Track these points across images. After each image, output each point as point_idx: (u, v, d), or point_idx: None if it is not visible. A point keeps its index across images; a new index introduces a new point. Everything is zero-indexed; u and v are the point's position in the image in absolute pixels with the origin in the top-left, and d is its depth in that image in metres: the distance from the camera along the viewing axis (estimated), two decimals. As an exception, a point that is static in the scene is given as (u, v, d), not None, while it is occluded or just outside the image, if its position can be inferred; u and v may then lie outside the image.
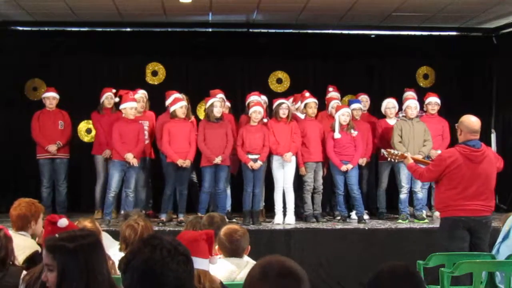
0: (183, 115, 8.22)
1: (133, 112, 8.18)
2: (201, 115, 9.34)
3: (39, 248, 4.42)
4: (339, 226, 8.23)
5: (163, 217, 8.27)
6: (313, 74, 10.55)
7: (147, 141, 8.57)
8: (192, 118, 8.73)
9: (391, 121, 8.82)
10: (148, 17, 9.61)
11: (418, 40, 10.46)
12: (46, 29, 10.08)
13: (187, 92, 8.88)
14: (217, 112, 8.13)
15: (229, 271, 3.94)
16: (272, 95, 9.31)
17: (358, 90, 9.62)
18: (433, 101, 8.85)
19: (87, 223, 4.55)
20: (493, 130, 10.25)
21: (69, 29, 10.08)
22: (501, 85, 10.30)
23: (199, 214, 7.36)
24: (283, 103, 8.34)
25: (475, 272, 4.88)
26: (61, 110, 8.92)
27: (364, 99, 9.34)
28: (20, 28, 10.12)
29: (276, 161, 8.25)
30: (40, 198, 8.13)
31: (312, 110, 8.59)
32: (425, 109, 8.92)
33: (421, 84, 10.49)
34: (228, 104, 8.96)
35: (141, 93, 8.79)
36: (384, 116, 9.04)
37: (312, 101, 8.61)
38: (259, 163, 8.10)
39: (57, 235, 2.88)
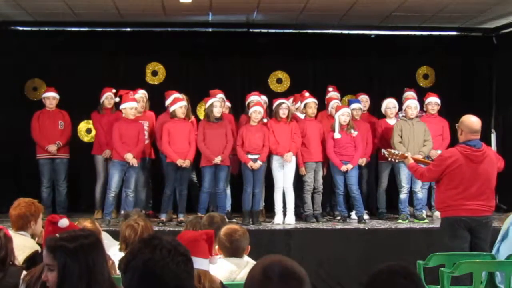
0: (183, 115, 8.22)
1: (133, 112, 8.18)
2: (201, 115, 9.33)
3: (39, 248, 4.43)
4: (339, 226, 8.23)
5: (163, 217, 8.27)
6: (313, 74, 10.54)
7: (147, 141, 8.57)
8: (192, 118, 8.73)
9: (391, 121, 8.82)
10: (148, 17, 9.61)
11: (418, 40, 10.46)
12: (46, 29, 10.09)
13: (187, 92, 8.87)
14: (217, 112, 8.13)
15: (229, 271, 3.94)
16: (272, 95, 9.31)
17: (358, 90, 9.62)
18: (433, 101, 8.85)
19: (87, 224, 4.55)
20: (493, 130, 10.25)
21: (69, 29, 10.08)
22: (501, 85, 10.30)
23: (199, 214, 7.36)
24: (283, 103, 8.34)
25: (475, 272, 4.89)
26: (61, 110, 8.92)
27: (364, 99, 9.34)
28: (20, 28, 10.12)
29: (276, 161, 8.25)
30: (40, 198, 8.13)
31: (312, 110, 8.59)
32: (425, 109, 8.92)
33: (421, 84, 10.48)
34: (228, 104, 8.96)
35: (141, 93, 8.79)
36: (384, 116, 9.04)
37: (311, 101, 8.61)
38: (259, 163, 8.10)
39: (57, 235, 2.89)
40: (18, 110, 9.62)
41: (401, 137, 8.38)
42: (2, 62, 9.68)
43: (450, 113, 9.34)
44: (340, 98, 9.35)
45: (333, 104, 8.80)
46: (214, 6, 8.92)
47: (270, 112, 8.65)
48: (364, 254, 7.46)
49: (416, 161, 6.48)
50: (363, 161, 8.64)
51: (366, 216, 8.54)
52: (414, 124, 8.43)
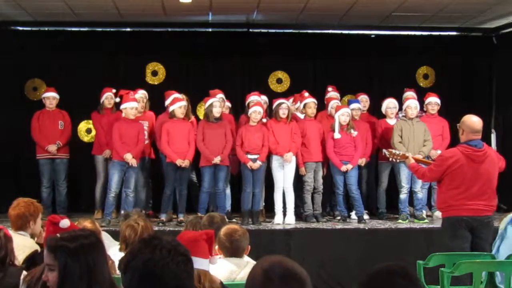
0: (182, 115, 8.22)
1: (133, 112, 8.18)
2: (201, 115, 9.33)
3: (38, 248, 4.43)
4: (339, 226, 8.23)
5: (163, 217, 8.27)
6: (313, 74, 10.54)
7: (146, 141, 8.56)
8: (192, 118, 8.73)
9: (391, 121, 8.82)
10: (148, 17, 9.61)
11: (418, 40, 10.46)
12: (46, 29, 10.09)
13: (187, 92, 8.87)
14: (216, 112, 8.13)
15: (229, 271, 3.94)
16: (272, 95, 9.31)
17: (358, 90, 9.61)
18: (433, 101, 8.85)
19: (87, 224, 4.56)
20: (493, 130, 10.25)
21: (69, 29, 10.08)
22: (501, 85, 10.30)
23: (199, 214, 7.36)
24: (283, 103, 8.34)
25: (475, 272, 4.89)
26: (61, 110, 8.92)
27: (364, 99, 9.33)
28: (20, 28, 10.12)
29: (276, 161, 8.25)
30: (40, 198, 8.14)
31: (312, 110, 8.59)
32: (425, 109, 8.92)
33: (421, 84, 10.48)
34: (228, 104, 8.96)
35: (141, 93, 8.79)
36: (384, 116, 9.04)
37: (311, 101, 8.61)
38: (259, 163, 8.10)
39: (58, 235, 2.89)
40: (18, 110, 9.62)
41: (401, 137, 8.38)
42: (2, 62, 9.69)
43: (450, 113, 9.34)
44: (340, 98, 9.35)
45: (333, 104, 8.81)
46: (214, 6, 8.92)
47: (270, 112, 8.65)
48: (364, 254, 7.45)
49: (417, 161, 6.48)
50: (362, 161, 8.64)
51: (366, 216, 8.54)
52: (414, 124, 8.43)
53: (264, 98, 8.78)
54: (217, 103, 8.19)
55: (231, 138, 8.21)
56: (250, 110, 8.18)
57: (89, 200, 9.27)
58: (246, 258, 4.13)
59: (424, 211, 8.66)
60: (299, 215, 8.52)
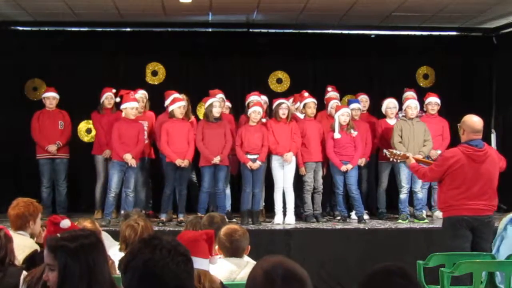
0: (181, 115, 8.21)
1: (134, 112, 8.18)
2: (201, 115, 9.33)
3: (38, 248, 4.43)
4: (339, 226, 8.23)
5: (163, 217, 8.27)
6: (313, 74, 10.54)
7: (146, 141, 8.56)
8: (192, 118, 8.74)
9: (391, 121, 8.82)
10: (148, 17, 9.61)
11: (418, 40, 10.46)
12: (46, 29, 10.09)
13: (187, 92, 8.87)
14: (216, 112, 8.13)
15: (229, 271, 3.94)
16: (272, 95, 9.31)
17: (358, 90, 9.61)
18: (433, 101, 8.85)
19: (87, 224, 4.55)
20: (493, 130, 10.25)
21: (69, 29, 10.08)
22: (501, 85, 10.30)
23: (199, 214, 7.36)
24: (282, 103, 8.34)
25: (475, 272, 4.89)
26: (61, 110, 8.92)
27: (364, 99, 9.33)
28: (20, 28, 10.12)
29: (276, 161, 8.25)
30: (40, 198, 8.15)
31: (311, 110, 8.59)
32: (425, 109, 8.92)
33: (421, 84, 10.48)
34: (228, 104, 8.96)
35: (141, 93, 8.79)
36: (384, 116, 9.04)
37: (311, 101, 8.61)
38: (258, 163, 8.10)
39: (58, 234, 2.89)
40: (18, 110, 9.62)
41: (401, 137, 8.38)
42: (2, 62, 9.69)
43: (450, 113, 9.34)
44: (340, 98, 9.35)
45: (333, 104, 8.81)
46: (214, 6, 8.92)
47: (270, 112, 8.65)
48: (364, 254, 7.46)
49: (418, 161, 6.49)
50: (362, 161, 8.64)
51: (366, 216, 8.54)
52: (414, 124, 8.43)
53: (264, 98, 8.77)
54: (217, 103, 8.19)
55: (231, 138, 8.21)
56: (250, 110, 8.18)
57: (89, 200, 9.27)
58: (246, 258, 4.14)
59: (424, 211, 8.66)
60: (299, 215, 8.52)
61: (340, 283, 7.62)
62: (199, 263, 3.05)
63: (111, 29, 10.20)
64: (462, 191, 5.75)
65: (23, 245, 4.36)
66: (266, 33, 10.37)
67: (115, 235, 5.05)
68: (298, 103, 8.88)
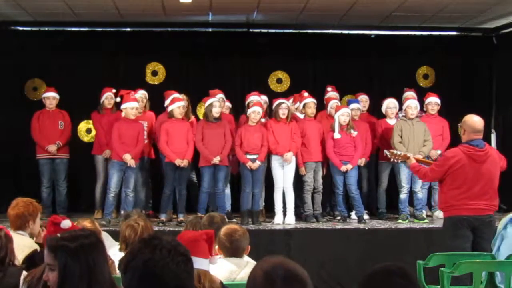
0: (180, 115, 8.21)
1: (134, 112, 8.18)
2: (201, 115, 9.33)
3: (38, 247, 4.43)
4: (339, 226, 8.23)
5: (163, 217, 8.27)
6: (313, 74, 10.54)
7: (145, 141, 8.56)
8: (192, 118, 8.74)
9: (391, 121, 8.82)
10: (148, 17, 9.61)
11: (418, 40, 10.46)
12: (46, 29, 10.09)
13: (187, 92, 8.87)
14: (215, 112, 8.13)
15: (229, 271, 3.94)
16: (272, 95, 9.31)
17: (358, 90, 9.61)
18: (433, 101, 8.85)
19: (86, 224, 4.55)
20: (493, 130, 10.25)
21: (69, 29, 10.08)
22: (501, 85, 10.30)
23: (199, 214, 7.36)
24: (282, 103, 8.34)
25: (475, 272, 4.89)
26: (61, 110, 8.92)
27: (364, 99, 9.33)
28: (20, 28, 10.12)
29: (276, 161, 8.25)
30: (40, 198, 8.14)
31: (311, 110, 8.59)
32: (425, 109, 8.92)
33: (421, 84, 10.48)
34: (228, 104, 8.96)
35: (141, 93, 8.79)
36: (384, 116, 9.04)
37: (311, 101, 8.61)
38: (258, 163, 8.10)
39: (58, 234, 2.89)
40: (18, 110, 9.62)
41: (401, 137, 8.38)
42: (2, 62, 9.69)
43: (450, 113, 9.35)
44: (340, 98, 9.35)
45: (332, 104, 8.81)
46: (214, 6, 8.92)
47: (270, 112, 8.65)
48: (364, 254, 7.46)
49: (418, 161, 6.49)
50: (362, 161, 8.64)
51: (366, 216, 8.53)
52: (414, 124, 8.43)
53: (264, 98, 8.78)
54: (217, 103, 8.19)
55: (231, 138, 8.21)
56: (249, 111, 8.18)
57: (89, 200, 9.27)
58: (246, 258, 4.13)
59: (424, 211, 8.66)
60: (299, 215, 8.52)
61: (340, 283, 7.62)
62: (199, 263, 3.05)
63: (111, 29, 10.20)
64: (463, 191, 5.76)
65: (22, 245, 4.36)
66: (266, 33, 10.37)
67: (115, 235, 5.05)
68: (298, 103, 8.88)
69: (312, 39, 10.42)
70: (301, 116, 8.75)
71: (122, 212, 8.01)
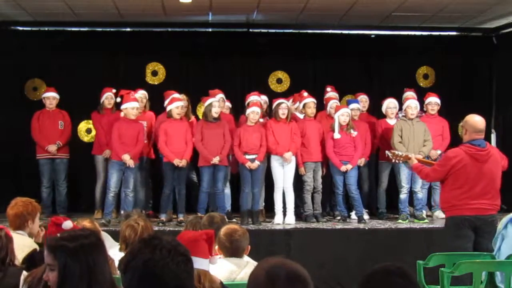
0: (178, 115, 8.21)
1: (134, 112, 8.18)
2: (201, 115, 9.33)
3: (37, 247, 4.43)
4: (339, 226, 8.23)
5: (163, 217, 8.27)
6: (313, 74, 10.54)
7: (145, 141, 8.56)
8: (193, 118, 8.74)
9: (391, 121, 8.82)
10: (148, 17, 9.61)
11: (418, 40, 10.46)
12: (46, 29, 10.08)
13: (187, 92, 8.88)
14: (214, 112, 8.13)
15: (229, 271, 3.94)
16: (272, 95, 9.31)
17: (358, 90, 9.61)
18: (433, 101, 8.84)
19: (86, 223, 4.54)
20: (493, 130, 10.25)
21: (69, 29, 10.08)
22: (501, 85, 10.30)
23: (199, 214, 7.36)
24: (282, 103, 8.34)
25: (475, 272, 4.89)
26: (61, 110, 8.92)
27: (364, 99, 9.33)
28: (20, 28, 10.12)
29: (275, 161, 8.25)
30: (40, 198, 8.15)
31: (311, 110, 8.59)
32: (425, 109, 8.92)
33: (421, 84, 10.48)
34: (228, 104, 8.96)
35: (141, 93, 8.79)
36: (384, 116, 9.04)
37: (310, 101, 8.61)
38: (257, 163, 8.10)
39: (58, 234, 2.89)
40: (18, 110, 9.62)
41: (401, 137, 8.38)
42: (2, 62, 9.69)
43: (450, 113, 9.36)
44: (340, 98, 9.35)
45: (332, 104, 8.81)
46: (214, 6, 8.92)
47: (270, 112, 8.65)
48: (364, 254, 7.46)
49: (420, 161, 6.49)
50: (361, 161, 8.64)
51: (366, 216, 8.53)
52: (414, 124, 8.42)
53: (264, 98, 8.78)
54: (216, 103, 8.18)
55: (230, 138, 8.20)
56: (248, 111, 8.18)
57: (89, 200, 9.26)
58: (246, 258, 4.13)
59: (424, 211, 8.65)
60: (299, 215, 8.52)
61: (340, 283, 7.62)
62: (199, 263, 3.05)
63: (111, 29, 10.20)
64: (465, 190, 5.76)
65: (22, 244, 4.35)
66: (266, 33, 10.37)
67: (115, 235, 5.05)
68: (298, 103, 8.88)
69: (312, 39, 10.42)
70: (301, 116, 8.75)
71: (122, 212, 8.01)
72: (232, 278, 3.91)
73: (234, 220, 8.17)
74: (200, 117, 9.12)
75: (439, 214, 8.54)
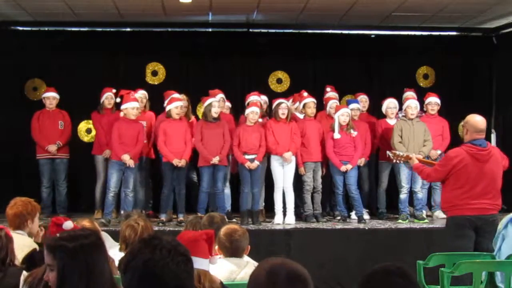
0: (177, 115, 8.21)
1: (135, 112, 8.18)
2: (201, 115, 9.33)
3: (37, 247, 4.42)
4: (339, 226, 8.23)
5: (163, 217, 8.27)
6: (313, 74, 10.54)
7: (145, 141, 8.56)
8: (193, 118, 8.74)
9: (391, 121, 8.82)
10: (148, 17, 9.61)
11: (418, 40, 10.46)
12: (46, 29, 10.09)
13: (187, 92, 8.88)
14: (214, 112, 8.13)
15: (229, 271, 3.94)
16: (272, 95, 9.31)
17: (358, 90, 9.61)
18: (433, 101, 8.84)
19: (85, 223, 4.54)
20: (493, 130, 10.25)
21: (69, 29, 10.08)
22: (501, 85, 10.30)
23: (199, 214, 7.36)
24: (282, 103, 8.34)
25: (475, 272, 4.89)
26: (61, 110, 8.92)
27: (364, 99, 9.33)
28: (20, 28, 10.12)
29: (275, 161, 8.25)
30: (40, 198, 8.15)
31: (311, 110, 8.59)
32: (425, 109, 8.92)
33: (421, 84, 10.48)
34: (228, 104, 8.96)
35: (141, 93, 8.79)
36: (384, 116, 9.04)
37: (310, 101, 8.61)
38: (256, 163, 8.10)
39: (58, 234, 2.88)
40: (18, 110, 9.62)
41: (401, 137, 8.38)
42: (2, 62, 9.69)
43: (450, 113, 9.36)
44: (340, 98, 9.35)
45: (332, 104, 8.81)
46: (214, 6, 8.92)
47: (270, 112, 8.65)
48: (364, 254, 7.45)
49: (421, 161, 6.49)
50: (361, 161, 8.64)
51: (366, 216, 8.54)
52: (414, 124, 8.42)
53: (264, 98, 8.78)
54: (216, 103, 8.18)
55: (230, 138, 8.20)
56: (247, 111, 8.18)
57: (89, 200, 9.26)
58: (246, 258, 4.13)
59: (424, 211, 8.65)
60: (299, 215, 8.52)
61: (340, 283, 7.62)
62: (199, 263, 3.05)
63: (111, 29, 10.20)
64: (466, 190, 5.76)
65: (22, 244, 4.35)
66: (266, 33, 10.37)
67: (115, 235, 5.05)
68: (298, 103, 8.88)
69: (312, 39, 10.42)
70: (301, 116, 8.75)
71: (122, 212, 8.01)
72: (232, 278, 3.91)
73: (234, 220, 8.17)
74: (200, 117, 9.13)
75: (439, 214, 8.54)
